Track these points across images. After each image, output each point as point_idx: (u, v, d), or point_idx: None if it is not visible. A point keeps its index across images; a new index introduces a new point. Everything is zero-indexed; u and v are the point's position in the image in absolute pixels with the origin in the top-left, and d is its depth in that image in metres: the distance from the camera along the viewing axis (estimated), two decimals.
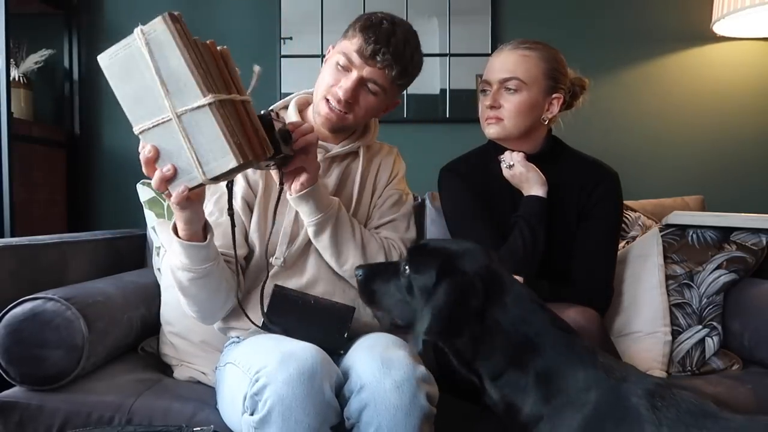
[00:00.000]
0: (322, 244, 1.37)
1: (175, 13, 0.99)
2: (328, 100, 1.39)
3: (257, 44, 2.41)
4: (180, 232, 1.20)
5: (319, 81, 1.43)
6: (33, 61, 2.27)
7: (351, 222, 1.39)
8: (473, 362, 1.06)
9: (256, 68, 1.08)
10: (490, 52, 2.29)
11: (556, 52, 1.59)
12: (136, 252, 2.01)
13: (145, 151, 1.05)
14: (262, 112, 1.15)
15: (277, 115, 1.23)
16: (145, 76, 0.99)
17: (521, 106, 1.54)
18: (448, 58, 2.39)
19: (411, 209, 1.56)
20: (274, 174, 1.33)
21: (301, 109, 1.49)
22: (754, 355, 1.64)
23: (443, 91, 2.41)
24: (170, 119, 0.99)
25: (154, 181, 1.07)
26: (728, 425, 0.90)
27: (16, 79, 2.22)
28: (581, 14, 2.40)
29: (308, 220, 1.34)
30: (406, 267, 1.13)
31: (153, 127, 1.02)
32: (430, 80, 2.41)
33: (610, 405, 0.95)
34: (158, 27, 0.97)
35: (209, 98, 0.97)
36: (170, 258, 1.26)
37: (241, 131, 1.01)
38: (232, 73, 1.06)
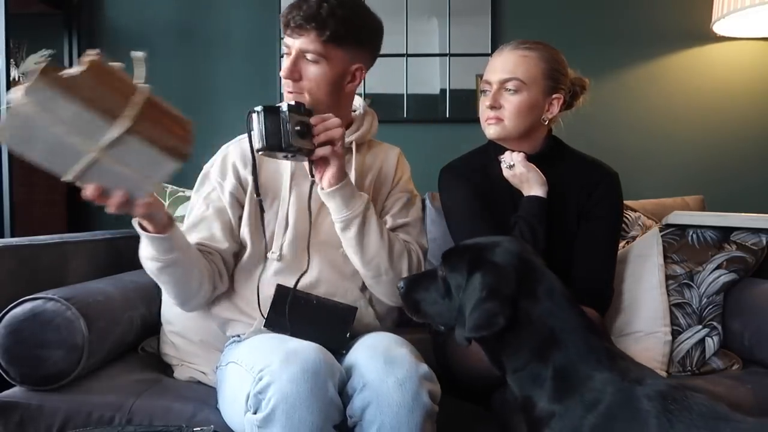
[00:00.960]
0: (348, 241, 1.36)
1: (46, 64, 0.97)
2: (289, 92, 1.39)
3: (257, 44, 2.41)
4: (145, 227, 1.26)
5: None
6: (33, 61, 2.27)
7: (378, 221, 1.38)
8: (501, 353, 1.07)
9: (137, 54, 1.03)
10: (490, 52, 2.29)
11: (556, 52, 1.59)
12: (136, 252, 1.99)
13: (88, 192, 1.06)
14: (291, 103, 1.24)
15: (309, 111, 1.27)
16: (49, 132, 0.99)
17: (521, 107, 1.54)
18: (448, 58, 2.39)
19: (421, 214, 1.56)
20: (306, 165, 1.35)
21: None
22: (754, 355, 1.64)
23: (443, 91, 2.41)
24: (97, 158, 1.02)
25: (111, 209, 1.10)
26: (740, 427, 0.90)
27: (16, 79, 2.22)
28: (581, 14, 2.40)
29: (336, 216, 1.34)
30: (441, 268, 1.13)
31: (85, 169, 1.03)
32: (430, 80, 2.41)
33: (621, 407, 0.95)
34: (38, 85, 0.96)
35: (120, 126, 1.00)
36: (141, 250, 1.32)
37: (164, 132, 1.04)
38: (120, 78, 1.03)
